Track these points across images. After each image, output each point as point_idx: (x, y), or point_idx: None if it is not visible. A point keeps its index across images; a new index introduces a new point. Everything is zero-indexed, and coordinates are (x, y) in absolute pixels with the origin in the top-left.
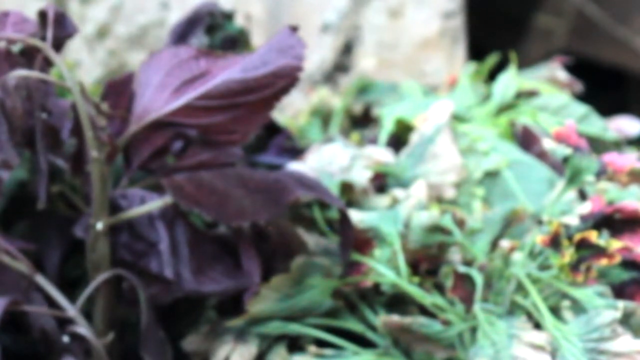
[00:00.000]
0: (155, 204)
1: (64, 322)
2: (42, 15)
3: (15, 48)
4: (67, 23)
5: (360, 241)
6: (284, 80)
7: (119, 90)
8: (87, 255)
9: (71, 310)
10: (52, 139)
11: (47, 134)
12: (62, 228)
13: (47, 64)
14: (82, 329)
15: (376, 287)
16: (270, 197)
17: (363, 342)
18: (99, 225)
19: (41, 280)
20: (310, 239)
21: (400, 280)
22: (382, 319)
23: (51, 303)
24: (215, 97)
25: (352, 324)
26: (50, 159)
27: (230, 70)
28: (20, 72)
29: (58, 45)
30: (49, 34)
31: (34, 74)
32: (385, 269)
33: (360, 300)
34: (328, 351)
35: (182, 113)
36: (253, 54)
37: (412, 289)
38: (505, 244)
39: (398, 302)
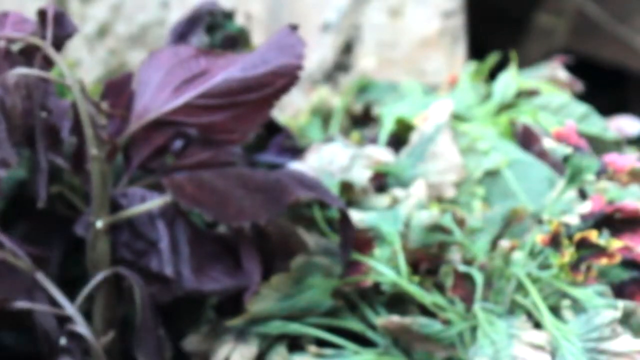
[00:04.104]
0: (155, 202)
1: (63, 321)
2: (42, 14)
3: (15, 48)
4: (67, 22)
5: (360, 241)
6: (284, 79)
7: (118, 89)
8: (87, 253)
9: (70, 308)
10: (52, 138)
11: (47, 133)
12: (62, 228)
13: (47, 63)
14: (81, 327)
15: (376, 286)
16: (270, 197)
17: (363, 342)
18: (99, 223)
19: (41, 278)
20: (311, 239)
21: (400, 280)
22: (382, 321)
23: (51, 302)
24: (215, 96)
25: (352, 324)
26: (50, 158)
27: (231, 69)
28: (20, 71)
29: (58, 45)
30: (49, 33)
31: (34, 72)
32: (385, 268)
33: (360, 300)
34: (328, 351)
35: (182, 112)
36: (253, 52)
37: (412, 289)
38: (505, 243)
39: (398, 301)
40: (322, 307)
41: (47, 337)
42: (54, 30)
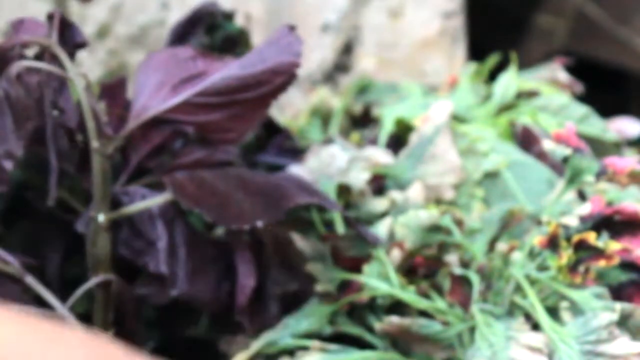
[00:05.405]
0: (156, 199)
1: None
2: (50, 18)
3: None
4: (76, 32)
5: (350, 259)
6: (281, 77)
7: (112, 92)
8: (88, 249)
9: (61, 309)
10: (63, 138)
11: (59, 132)
12: (63, 229)
13: (58, 66)
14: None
15: (373, 299)
16: (270, 202)
17: (362, 345)
18: (101, 218)
19: (30, 280)
20: (307, 245)
21: (394, 290)
22: (381, 325)
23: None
24: (213, 94)
25: (350, 328)
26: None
27: (228, 68)
28: (24, 63)
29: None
30: (54, 34)
31: (41, 64)
32: (377, 282)
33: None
34: (333, 346)
35: (181, 110)
36: (251, 51)
37: (407, 297)
38: (502, 244)
39: (397, 306)
40: (323, 333)
41: None
42: (65, 40)
